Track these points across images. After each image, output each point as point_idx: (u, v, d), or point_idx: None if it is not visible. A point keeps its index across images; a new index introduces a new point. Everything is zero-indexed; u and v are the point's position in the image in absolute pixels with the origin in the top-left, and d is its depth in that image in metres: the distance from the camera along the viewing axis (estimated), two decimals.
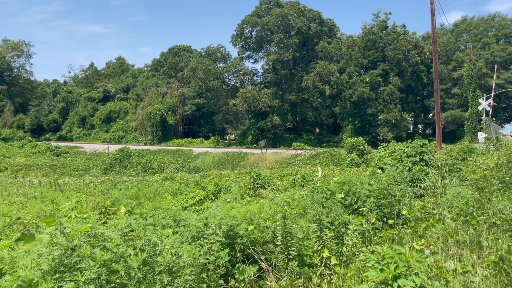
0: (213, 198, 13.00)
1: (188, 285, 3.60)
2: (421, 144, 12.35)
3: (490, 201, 6.93)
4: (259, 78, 68.00)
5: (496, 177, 8.93)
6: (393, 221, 6.45)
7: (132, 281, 3.23)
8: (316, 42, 60.28)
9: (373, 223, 6.17)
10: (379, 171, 11.65)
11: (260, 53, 63.87)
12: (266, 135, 58.32)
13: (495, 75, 44.66)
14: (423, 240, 5.03)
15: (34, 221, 9.46)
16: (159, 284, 3.36)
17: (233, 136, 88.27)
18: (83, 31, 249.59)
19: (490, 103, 36.85)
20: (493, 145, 21.81)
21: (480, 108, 37.25)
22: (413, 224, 6.36)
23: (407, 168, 10.80)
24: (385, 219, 6.55)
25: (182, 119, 70.22)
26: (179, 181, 23.13)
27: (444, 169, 10.62)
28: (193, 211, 9.97)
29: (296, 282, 4.38)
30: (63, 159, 53.02)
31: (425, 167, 10.67)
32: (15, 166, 41.66)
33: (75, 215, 7.33)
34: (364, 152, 32.37)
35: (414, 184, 9.44)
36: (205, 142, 62.08)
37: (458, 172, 10.42)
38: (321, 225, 5.13)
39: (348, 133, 54.27)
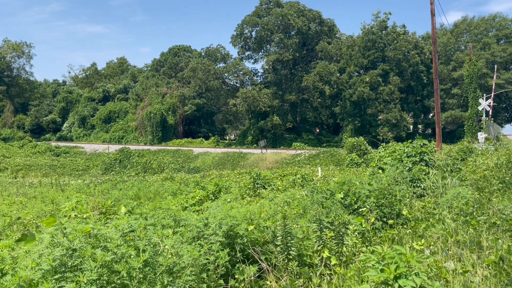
0: (213, 198, 13.00)
1: (188, 285, 3.61)
2: (421, 144, 12.36)
3: (490, 201, 6.93)
4: (259, 78, 68.00)
5: (496, 177, 8.94)
6: (393, 221, 6.46)
7: (133, 281, 3.24)
8: (316, 42, 60.27)
9: (373, 223, 6.18)
10: (379, 171, 11.66)
11: (260, 53, 63.85)
12: (266, 135, 58.30)
13: (495, 75, 44.63)
14: (423, 240, 5.04)
15: (34, 221, 9.46)
16: (159, 284, 3.36)
17: (233, 136, 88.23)
18: (82, 32, 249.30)
19: (490, 103, 36.83)
20: (493, 145, 21.80)
21: (480, 108, 37.23)
22: (413, 224, 6.37)
23: (407, 168, 10.80)
24: (385, 219, 6.56)
25: (182, 119, 70.21)
26: (179, 181, 23.13)
27: (444, 169, 10.63)
28: (193, 211, 9.97)
29: (296, 282, 4.38)
30: (63, 159, 53.01)
31: (425, 167, 10.68)
32: (15, 166, 41.66)
33: (75, 215, 7.34)
34: (364, 152, 32.37)
35: (414, 184, 9.44)
36: (205, 142, 62.06)
37: (458, 172, 10.43)
38: (321, 225, 5.14)
39: (348, 133, 54.26)
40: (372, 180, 8.17)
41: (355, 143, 33.54)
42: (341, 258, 4.94)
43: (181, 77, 70.36)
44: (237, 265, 4.39)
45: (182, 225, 4.88)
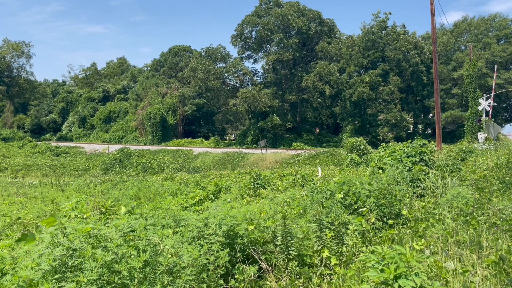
0: (213, 198, 13.00)
1: (188, 285, 3.61)
2: (421, 144, 12.36)
3: (490, 201, 6.93)
4: (259, 78, 68.00)
5: (496, 177, 8.93)
6: (393, 221, 6.46)
7: (133, 281, 3.24)
8: (316, 42, 60.27)
9: (373, 223, 6.18)
10: (379, 171, 11.66)
11: (260, 53, 63.85)
12: (266, 135, 58.29)
13: (495, 75, 44.63)
14: (423, 240, 5.04)
15: (34, 221, 9.46)
16: (159, 284, 3.36)
17: (233, 136, 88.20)
18: (82, 32, 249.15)
19: (490, 103, 36.84)
20: (493, 145, 21.80)
21: (480, 108, 37.24)
22: (413, 224, 6.37)
23: (407, 168, 10.80)
24: (385, 219, 6.56)
25: (182, 119, 70.20)
26: (179, 181, 23.13)
27: (444, 169, 10.63)
28: (193, 211, 9.97)
29: (296, 282, 4.38)
30: (63, 159, 53.01)
31: (425, 167, 10.68)
32: (15, 166, 41.66)
33: (75, 215, 7.34)
34: (364, 152, 32.36)
35: (414, 184, 9.44)
36: (205, 142, 62.05)
37: (458, 172, 10.43)
38: (321, 225, 5.14)
39: (348, 133, 54.26)
40: (372, 180, 8.17)
41: (355, 143, 33.53)
42: (341, 258, 4.94)
43: (181, 77, 70.35)
44: (237, 265, 4.39)
45: (182, 225, 4.88)
